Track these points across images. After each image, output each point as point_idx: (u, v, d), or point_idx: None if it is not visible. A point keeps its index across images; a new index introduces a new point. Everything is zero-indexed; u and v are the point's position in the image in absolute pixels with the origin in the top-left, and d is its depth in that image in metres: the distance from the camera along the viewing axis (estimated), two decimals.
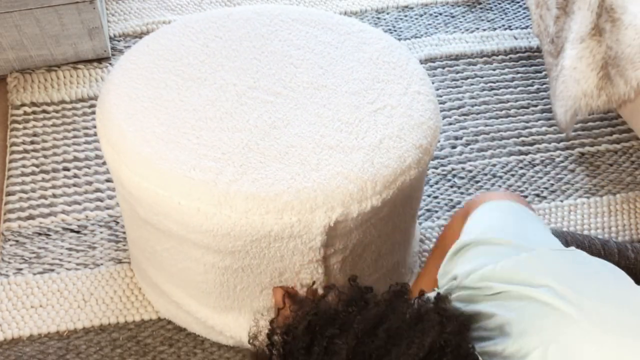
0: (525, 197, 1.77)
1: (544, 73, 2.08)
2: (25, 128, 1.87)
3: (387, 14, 2.29)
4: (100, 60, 2.05)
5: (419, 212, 1.69)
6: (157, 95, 1.29)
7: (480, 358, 0.83)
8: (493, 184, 1.80)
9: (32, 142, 1.84)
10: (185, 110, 1.26)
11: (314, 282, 1.18)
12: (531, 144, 1.91)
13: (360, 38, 1.43)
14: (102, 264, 1.58)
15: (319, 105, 1.28)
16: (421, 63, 1.89)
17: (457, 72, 2.09)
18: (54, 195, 1.72)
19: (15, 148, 1.82)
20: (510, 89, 2.05)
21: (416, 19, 2.27)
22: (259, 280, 1.27)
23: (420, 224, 1.68)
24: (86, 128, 1.87)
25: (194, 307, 1.39)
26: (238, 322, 1.37)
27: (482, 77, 2.08)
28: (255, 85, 1.31)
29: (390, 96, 1.31)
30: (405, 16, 2.28)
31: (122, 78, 1.32)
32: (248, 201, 1.13)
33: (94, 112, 1.79)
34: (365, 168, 1.18)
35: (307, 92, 1.31)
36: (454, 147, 1.89)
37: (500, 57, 2.15)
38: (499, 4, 2.36)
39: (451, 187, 1.79)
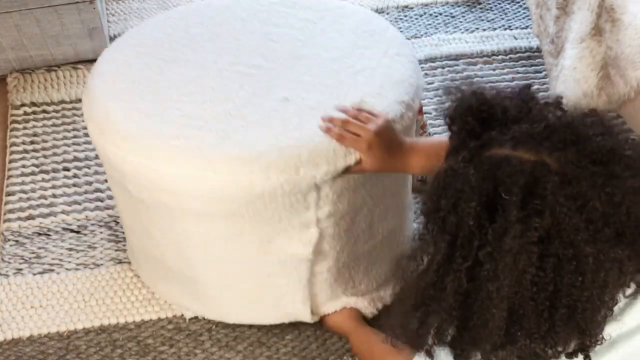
0: None
1: (544, 73, 2.08)
2: (25, 128, 1.87)
3: (387, 14, 2.29)
4: None
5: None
6: (140, 77, 1.31)
7: None
8: None
9: (32, 142, 1.84)
10: (168, 88, 1.28)
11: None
12: None
13: (339, 13, 1.45)
14: (102, 264, 1.58)
15: (300, 73, 1.30)
16: (421, 63, 1.89)
17: (457, 72, 2.09)
18: (54, 195, 1.72)
19: (15, 148, 1.82)
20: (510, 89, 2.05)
21: (416, 19, 2.27)
22: (246, 258, 1.28)
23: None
24: (86, 128, 1.87)
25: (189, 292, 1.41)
26: (232, 305, 1.40)
27: (482, 77, 2.08)
28: (236, 62, 1.33)
29: (370, 59, 1.32)
30: (405, 16, 2.28)
31: (107, 66, 1.35)
32: (232, 163, 1.14)
33: None
34: None
35: (287, 63, 1.32)
36: None
37: (500, 57, 2.15)
38: (499, 4, 2.36)
39: None
